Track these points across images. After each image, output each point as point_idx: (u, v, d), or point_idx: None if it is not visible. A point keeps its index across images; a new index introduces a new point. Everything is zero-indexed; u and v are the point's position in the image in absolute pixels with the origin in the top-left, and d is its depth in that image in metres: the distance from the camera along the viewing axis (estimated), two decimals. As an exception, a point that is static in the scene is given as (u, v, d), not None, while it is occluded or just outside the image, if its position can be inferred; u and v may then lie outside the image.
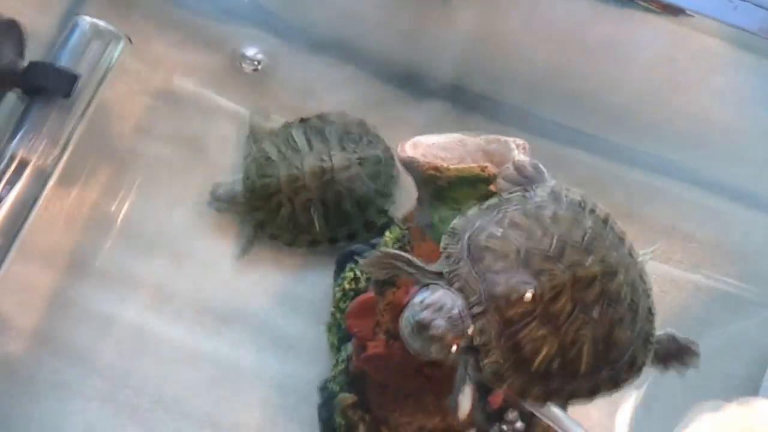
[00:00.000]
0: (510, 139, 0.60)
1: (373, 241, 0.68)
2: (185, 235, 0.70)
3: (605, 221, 0.54)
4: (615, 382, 0.52)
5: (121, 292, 0.68)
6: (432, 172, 0.56)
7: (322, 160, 0.68)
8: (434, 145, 0.61)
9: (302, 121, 0.71)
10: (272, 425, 0.65)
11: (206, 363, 0.67)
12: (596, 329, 0.50)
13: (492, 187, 0.56)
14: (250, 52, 0.76)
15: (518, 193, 0.53)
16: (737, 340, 0.73)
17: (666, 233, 0.74)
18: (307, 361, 0.68)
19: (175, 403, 0.65)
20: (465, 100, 0.76)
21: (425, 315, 0.47)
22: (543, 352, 0.48)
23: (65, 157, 0.65)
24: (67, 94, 0.63)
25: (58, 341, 0.67)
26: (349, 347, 0.62)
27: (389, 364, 0.55)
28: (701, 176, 0.75)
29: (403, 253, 0.51)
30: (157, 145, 0.73)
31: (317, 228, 0.68)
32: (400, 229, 0.59)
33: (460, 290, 0.48)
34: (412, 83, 0.76)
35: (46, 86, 0.64)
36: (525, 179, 0.55)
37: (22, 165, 0.62)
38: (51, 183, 0.64)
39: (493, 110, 0.75)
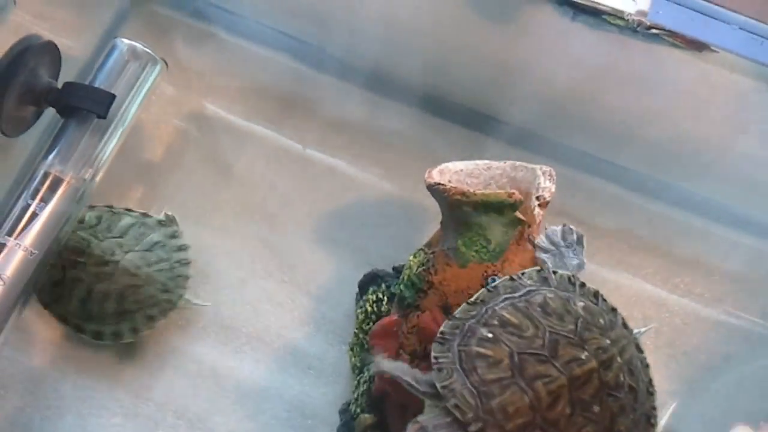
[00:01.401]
0: (537, 167, 0.61)
1: (397, 265, 0.69)
2: (211, 256, 0.71)
3: (596, 296, 0.53)
4: None
5: (146, 309, 0.70)
6: (458, 197, 0.57)
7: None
8: (461, 171, 0.62)
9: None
10: (292, 446, 0.66)
11: (229, 380, 0.67)
12: (598, 424, 0.48)
13: (518, 214, 0.57)
14: (283, 79, 0.78)
15: (506, 280, 0.53)
16: (760, 376, 0.72)
17: (689, 266, 0.74)
18: (327, 382, 0.68)
19: (197, 420, 0.66)
20: (485, 126, 0.77)
21: None
22: None
23: (99, 177, 0.67)
24: (103, 115, 0.65)
25: (82, 355, 0.68)
26: (372, 368, 0.62)
27: (411, 387, 0.56)
28: (725, 210, 0.76)
29: (396, 369, 0.51)
30: (187, 167, 0.75)
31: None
32: (425, 253, 0.60)
33: (456, 407, 0.47)
34: (434, 105, 0.78)
35: (82, 106, 0.65)
36: (553, 247, 0.55)
37: (57, 182, 0.64)
38: (85, 201, 0.66)
39: (516, 136, 0.76)
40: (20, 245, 0.62)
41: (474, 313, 0.51)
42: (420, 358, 0.56)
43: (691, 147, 0.74)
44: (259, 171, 0.75)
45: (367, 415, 0.61)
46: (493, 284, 0.53)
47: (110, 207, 0.71)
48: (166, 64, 0.69)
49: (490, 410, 0.46)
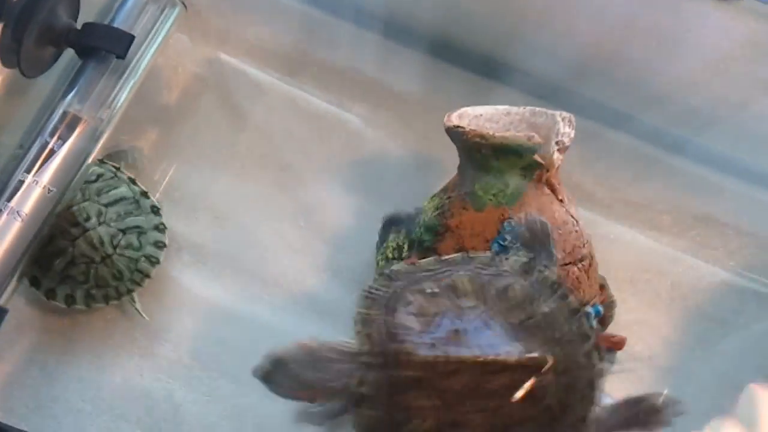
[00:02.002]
0: (556, 112, 0.60)
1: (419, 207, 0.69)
2: (228, 201, 0.71)
3: (574, 312, 0.49)
4: None
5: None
6: (477, 139, 0.57)
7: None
8: (480, 116, 0.62)
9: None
10: (306, 388, 0.66)
11: (245, 324, 0.68)
12: (488, 420, 0.45)
13: (537, 158, 0.56)
14: (299, 28, 0.78)
15: (487, 256, 0.51)
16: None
17: (704, 221, 0.74)
18: (344, 329, 0.68)
19: (212, 361, 0.66)
20: (503, 75, 0.77)
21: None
22: (416, 424, 0.45)
23: (117, 117, 0.67)
24: (122, 55, 0.65)
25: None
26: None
27: (427, 327, 0.56)
28: (742, 166, 0.75)
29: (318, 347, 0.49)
30: (203, 113, 0.74)
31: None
32: (441, 198, 0.60)
33: (368, 336, 0.47)
34: (449, 54, 0.77)
35: (101, 46, 0.65)
36: (528, 237, 0.52)
37: (75, 121, 0.64)
38: (103, 141, 0.66)
39: (534, 86, 0.76)
40: (38, 182, 0.62)
41: (434, 269, 0.50)
42: (436, 299, 0.56)
43: (710, 101, 0.73)
44: (276, 119, 0.75)
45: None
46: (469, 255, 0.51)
47: (117, 168, 0.69)
48: (185, 6, 0.69)
49: (388, 352, 0.45)
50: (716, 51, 0.69)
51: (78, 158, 0.64)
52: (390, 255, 0.67)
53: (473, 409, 0.44)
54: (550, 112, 0.61)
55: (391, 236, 0.68)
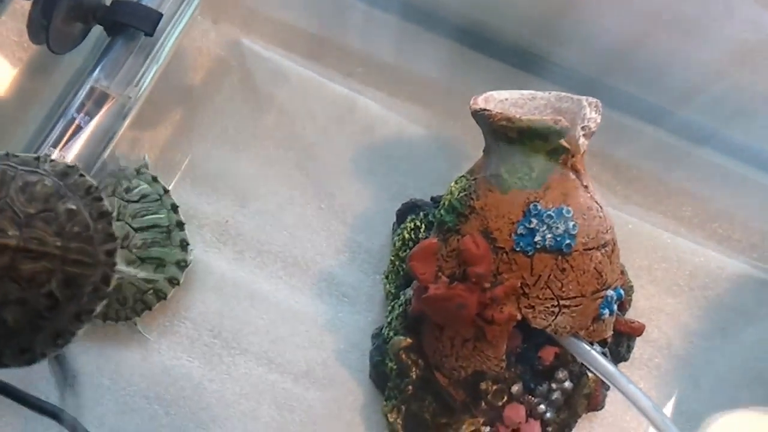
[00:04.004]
0: (582, 98, 0.60)
1: (435, 196, 0.69)
2: (250, 181, 0.72)
3: (102, 215, 0.54)
4: None
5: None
6: (503, 122, 0.57)
7: None
8: (506, 100, 0.62)
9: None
10: (323, 367, 0.67)
11: (265, 303, 0.68)
12: None
13: (563, 142, 0.57)
14: (322, 11, 0.78)
15: (32, 156, 0.55)
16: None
17: (727, 212, 0.74)
18: (360, 310, 0.69)
19: (232, 339, 0.67)
20: (528, 63, 0.77)
21: None
22: None
23: (144, 95, 0.67)
24: (150, 32, 0.65)
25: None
26: (408, 292, 0.63)
27: (449, 307, 0.56)
28: (764, 158, 0.75)
29: None
30: (226, 95, 0.75)
31: None
32: (467, 179, 0.60)
33: None
34: (475, 41, 0.77)
35: (129, 23, 0.66)
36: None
37: (103, 97, 0.64)
38: (130, 118, 0.66)
39: (559, 76, 0.76)
40: (64, 158, 0.63)
41: None
42: (459, 280, 0.56)
43: (735, 92, 0.73)
44: (298, 102, 0.75)
45: (401, 337, 0.62)
46: None
47: (166, 191, 0.67)
48: (212, -14, 0.70)
49: None
50: (743, 42, 0.69)
51: (104, 135, 0.64)
52: (407, 236, 0.67)
53: None
54: (575, 97, 0.61)
55: (409, 217, 0.68)
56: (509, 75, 0.78)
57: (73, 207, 0.53)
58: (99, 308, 0.54)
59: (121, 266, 0.56)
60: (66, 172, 0.55)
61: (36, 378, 0.64)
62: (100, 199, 0.55)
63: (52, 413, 0.58)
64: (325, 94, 0.76)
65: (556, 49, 0.77)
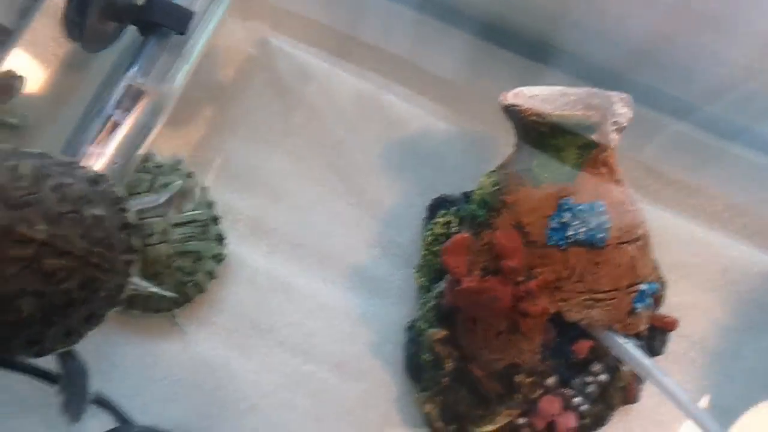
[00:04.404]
0: (613, 93, 0.61)
1: (466, 191, 0.70)
2: (282, 177, 0.73)
3: (125, 226, 0.55)
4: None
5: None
6: (534, 117, 0.57)
7: None
8: (536, 96, 0.62)
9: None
10: (357, 359, 0.68)
11: (299, 296, 0.69)
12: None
13: (594, 137, 0.57)
14: (350, 8, 0.79)
15: (69, 158, 0.57)
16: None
17: (758, 208, 0.74)
18: (393, 303, 0.70)
19: (267, 331, 0.68)
20: (552, 58, 0.77)
21: None
22: None
23: (177, 93, 0.68)
24: (183, 31, 0.66)
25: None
26: (441, 285, 0.64)
27: (482, 299, 0.57)
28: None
29: None
30: (256, 92, 0.76)
31: None
32: (499, 174, 0.61)
33: None
34: (498, 36, 0.78)
35: (162, 22, 0.67)
36: None
37: (138, 94, 0.65)
38: (165, 115, 0.67)
39: (585, 71, 0.76)
40: (103, 154, 0.64)
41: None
42: (492, 274, 0.57)
43: (766, 87, 0.73)
44: (327, 99, 0.76)
45: (435, 330, 0.63)
46: None
47: (203, 189, 0.69)
48: (243, -17, 0.71)
49: None
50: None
51: (140, 132, 0.66)
52: (438, 230, 0.68)
53: None
54: (606, 92, 0.61)
55: (440, 212, 0.69)
56: (531, 69, 0.78)
57: (100, 213, 0.54)
58: (107, 312, 0.56)
59: (136, 278, 0.58)
60: (96, 179, 0.56)
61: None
62: (125, 211, 0.56)
63: (100, 402, 0.60)
64: (353, 90, 0.76)
65: (579, 43, 0.77)
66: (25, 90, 0.69)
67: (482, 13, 0.78)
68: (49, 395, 0.57)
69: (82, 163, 0.60)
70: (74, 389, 0.57)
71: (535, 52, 0.78)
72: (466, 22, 0.79)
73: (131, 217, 0.56)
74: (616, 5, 0.71)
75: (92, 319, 0.55)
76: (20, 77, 0.69)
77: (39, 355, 0.54)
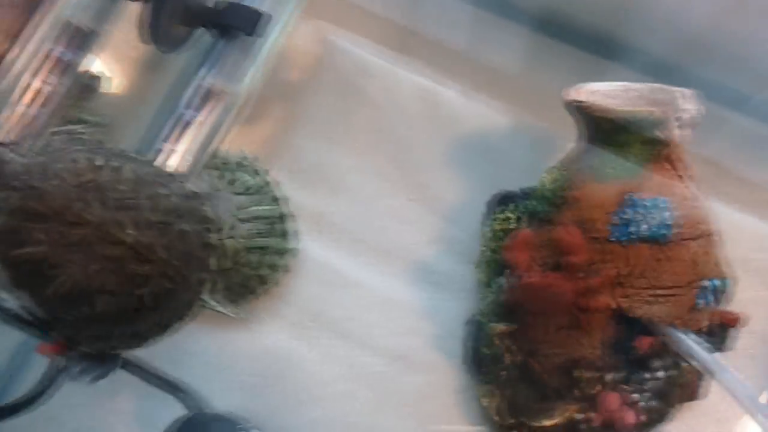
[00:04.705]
0: (677, 89, 0.60)
1: (525, 187, 0.70)
2: (345, 173, 0.75)
3: (206, 246, 0.56)
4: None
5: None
6: (599, 113, 0.58)
7: None
8: (599, 92, 0.62)
9: None
10: (418, 352, 0.69)
11: (361, 290, 0.71)
12: (83, 271, 0.51)
13: (659, 133, 0.57)
14: (411, 6, 0.80)
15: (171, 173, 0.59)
16: None
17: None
18: (453, 297, 0.71)
19: (331, 323, 0.70)
20: (611, 51, 0.77)
21: None
22: (29, 249, 0.51)
23: (247, 93, 0.70)
24: (254, 33, 0.69)
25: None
26: (502, 281, 0.64)
27: (544, 295, 0.58)
28: None
29: None
30: (321, 90, 0.78)
31: None
32: (560, 170, 0.61)
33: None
34: (558, 31, 0.78)
35: (233, 24, 0.69)
36: None
37: (211, 95, 0.68)
38: (234, 114, 0.70)
39: (644, 64, 0.75)
40: (175, 151, 0.67)
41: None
42: (553, 270, 0.58)
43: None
44: (389, 96, 0.77)
45: (496, 324, 0.63)
46: None
47: (267, 183, 0.71)
48: (311, -15, 0.73)
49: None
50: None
51: (212, 130, 0.68)
52: (498, 226, 0.69)
53: (77, 257, 0.51)
54: (669, 88, 0.61)
55: (500, 208, 0.70)
56: (591, 63, 0.78)
57: (186, 229, 0.55)
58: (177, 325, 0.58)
59: (205, 296, 0.60)
60: (190, 196, 0.57)
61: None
62: (209, 231, 0.57)
63: (174, 386, 0.63)
64: (414, 87, 0.78)
65: (640, 36, 0.76)
66: (105, 89, 0.73)
67: (541, 7, 0.79)
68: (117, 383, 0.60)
69: (157, 162, 0.63)
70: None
71: (595, 45, 0.78)
72: (524, 16, 0.79)
73: (214, 238, 0.58)
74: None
75: (158, 328, 0.57)
76: (99, 77, 0.73)
77: (102, 350, 0.57)
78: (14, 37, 0.72)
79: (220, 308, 0.68)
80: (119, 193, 0.54)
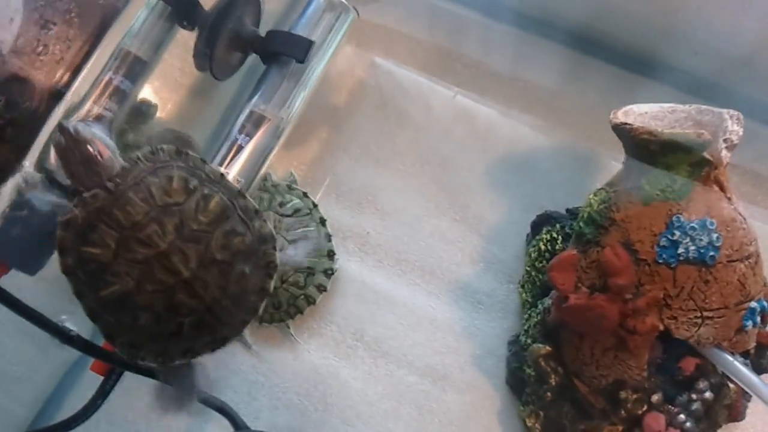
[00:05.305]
0: (723, 110, 0.60)
1: (570, 208, 0.71)
2: (389, 194, 0.76)
3: (263, 291, 0.58)
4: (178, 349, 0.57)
5: (329, 240, 0.76)
6: (646, 136, 0.58)
7: None
8: (645, 114, 0.63)
9: None
10: (460, 372, 0.70)
11: (404, 309, 0.72)
12: (138, 285, 0.55)
13: (706, 155, 0.57)
14: (453, 30, 0.82)
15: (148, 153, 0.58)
16: None
17: None
18: (496, 318, 0.71)
19: (373, 342, 0.71)
20: (652, 70, 0.78)
21: None
22: (99, 251, 0.54)
23: (296, 117, 0.73)
24: (302, 60, 0.71)
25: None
26: (546, 301, 0.65)
27: (590, 316, 0.58)
28: None
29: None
30: (366, 113, 0.80)
31: None
32: (607, 192, 0.62)
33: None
34: (601, 52, 0.79)
35: (283, 52, 0.72)
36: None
37: (260, 120, 0.70)
38: (283, 138, 0.72)
39: (686, 82, 0.76)
40: (229, 174, 0.69)
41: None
42: (599, 291, 0.58)
43: None
44: (433, 118, 0.79)
45: (540, 345, 0.64)
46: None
47: (315, 206, 0.74)
48: (358, 13, 0.75)
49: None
50: None
51: (262, 153, 0.70)
52: (543, 247, 0.69)
53: (136, 272, 0.55)
54: (716, 110, 0.61)
55: (545, 229, 0.70)
56: (630, 81, 0.79)
57: (247, 272, 0.57)
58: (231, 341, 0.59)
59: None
60: (264, 239, 0.59)
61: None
62: (270, 277, 0.59)
63: (220, 408, 0.64)
64: (458, 109, 0.79)
65: (674, 53, 0.77)
66: (158, 115, 0.76)
67: (583, 27, 0.80)
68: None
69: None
70: (181, 384, 0.60)
71: (636, 64, 0.79)
72: (567, 36, 0.80)
73: (271, 285, 0.59)
74: (709, 11, 0.71)
75: (187, 354, 0.58)
76: (154, 104, 0.76)
77: (131, 358, 0.58)
78: (76, 68, 0.76)
79: (254, 347, 0.71)
80: (197, 224, 0.56)
